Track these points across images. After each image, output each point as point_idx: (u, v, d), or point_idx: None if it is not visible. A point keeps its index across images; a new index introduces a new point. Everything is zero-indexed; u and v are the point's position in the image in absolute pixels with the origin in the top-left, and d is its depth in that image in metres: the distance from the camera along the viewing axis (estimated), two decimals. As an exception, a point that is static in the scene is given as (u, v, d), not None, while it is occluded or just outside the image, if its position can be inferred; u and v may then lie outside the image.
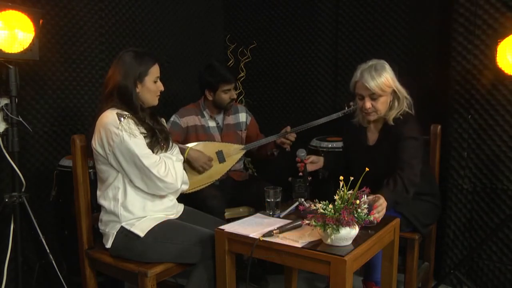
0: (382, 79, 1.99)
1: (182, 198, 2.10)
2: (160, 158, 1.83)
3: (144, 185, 1.81)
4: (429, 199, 2.19)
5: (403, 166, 1.97)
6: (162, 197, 1.90)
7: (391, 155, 2.05)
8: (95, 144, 1.80)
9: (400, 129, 2.05)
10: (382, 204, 1.78)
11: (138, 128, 1.81)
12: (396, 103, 2.08)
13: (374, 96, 2.01)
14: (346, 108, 2.49)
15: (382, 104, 2.04)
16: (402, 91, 2.07)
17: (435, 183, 2.32)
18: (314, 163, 2.30)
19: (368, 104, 2.03)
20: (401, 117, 2.07)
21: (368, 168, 1.87)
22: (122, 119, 1.75)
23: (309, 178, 2.10)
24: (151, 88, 1.88)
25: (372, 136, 2.20)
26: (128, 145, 1.74)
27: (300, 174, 2.16)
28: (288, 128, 2.51)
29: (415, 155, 2.02)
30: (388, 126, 2.09)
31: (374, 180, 2.03)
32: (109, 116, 1.76)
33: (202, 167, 2.38)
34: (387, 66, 2.04)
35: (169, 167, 1.84)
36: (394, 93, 2.06)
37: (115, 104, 1.82)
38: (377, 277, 2.06)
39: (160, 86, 1.92)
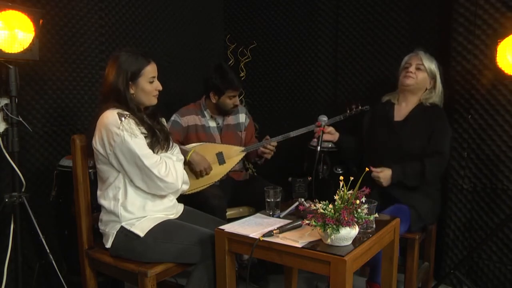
0: (433, 64, 2.34)
1: (184, 198, 2.10)
2: (160, 158, 1.83)
3: (145, 185, 1.81)
4: (438, 194, 2.32)
5: (434, 154, 2.20)
6: (162, 197, 1.90)
7: (418, 132, 2.26)
8: (96, 143, 1.80)
9: (436, 111, 2.30)
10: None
11: (139, 128, 1.81)
12: (433, 92, 2.35)
13: (420, 67, 2.31)
14: (348, 111, 2.49)
15: (421, 78, 2.32)
16: (440, 86, 2.35)
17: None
18: (331, 134, 2.44)
19: (413, 68, 2.32)
20: (436, 103, 2.34)
21: (388, 142, 2.28)
22: (123, 119, 1.75)
23: (309, 178, 2.10)
24: (146, 89, 1.87)
25: (400, 112, 2.38)
26: (129, 145, 1.74)
27: (314, 140, 2.22)
28: (268, 137, 2.54)
29: (447, 144, 2.28)
30: (423, 105, 2.33)
31: (394, 156, 2.26)
32: (110, 116, 1.75)
33: (201, 171, 2.38)
34: (438, 65, 2.37)
35: (170, 167, 1.84)
36: (434, 83, 2.34)
37: (114, 104, 1.82)
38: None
39: (157, 86, 1.91)
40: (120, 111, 1.78)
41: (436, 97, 2.34)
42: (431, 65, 2.32)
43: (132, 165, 1.77)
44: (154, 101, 1.93)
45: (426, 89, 2.35)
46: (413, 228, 2.12)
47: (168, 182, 1.82)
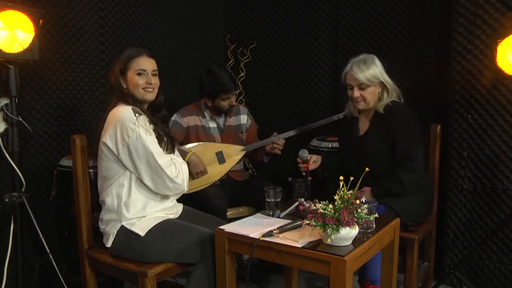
0: (370, 71, 2.12)
1: (185, 197, 2.09)
2: (171, 159, 1.84)
3: (153, 183, 1.81)
4: (426, 191, 2.24)
5: (404, 162, 2.08)
6: (164, 197, 1.90)
7: (381, 143, 2.15)
8: (106, 139, 1.77)
9: (391, 115, 2.14)
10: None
11: (151, 126, 1.81)
12: (385, 94, 2.18)
13: (362, 86, 2.14)
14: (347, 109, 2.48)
15: (370, 94, 2.15)
16: (390, 83, 2.17)
17: (428, 176, 2.33)
18: (315, 162, 2.34)
19: (357, 93, 2.16)
20: (390, 104, 2.18)
21: (358, 157, 2.14)
22: (137, 115, 1.75)
23: (309, 178, 2.11)
24: (133, 81, 1.85)
25: (363, 126, 2.28)
26: (144, 142, 1.74)
27: (303, 174, 2.19)
28: (275, 134, 2.52)
29: (415, 145, 2.12)
30: (379, 114, 2.18)
31: (365, 167, 2.12)
32: (124, 111, 1.75)
33: (197, 174, 2.36)
34: (376, 60, 2.17)
35: (179, 168, 1.85)
36: (383, 85, 2.16)
37: (118, 101, 1.83)
38: (372, 276, 2.05)
39: (148, 79, 1.86)
40: (134, 107, 1.78)
41: (390, 95, 2.17)
42: (367, 74, 2.11)
43: (144, 162, 1.76)
44: (146, 95, 1.87)
45: (379, 93, 2.17)
46: None
47: (177, 183, 1.82)
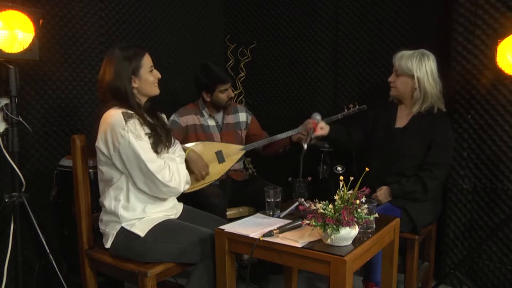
0: (408, 61, 2.19)
1: (185, 197, 2.09)
2: (165, 162, 1.82)
3: (147, 188, 1.80)
4: (436, 197, 2.27)
5: (433, 168, 2.14)
6: (163, 199, 1.90)
7: (417, 142, 2.19)
8: (99, 144, 1.78)
9: (434, 120, 2.20)
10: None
11: (143, 129, 1.79)
12: (418, 94, 2.20)
13: (397, 72, 2.25)
14: (346, 110, 2.49)
15: (400, 83, 2.24)
16: (428, 86, 2.18)
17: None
18: (322, 129, 2.41)
19: (391, 77, 2.28)
20: (434, 110, 2.22)
21: (388, 149, 2.23)
22: (128, 119, 1.74)
23: (309, 178, 2.11)
24: (148, 79, 1.88)
25: (402, 118, 2.31)
26: (134, 148, 1.72)
27: (304, 133, 2.33)
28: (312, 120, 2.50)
29: (447, 155, 2.22)
30: (421, 115, 2.23)
31: (391, 161, 2.22)
32: (115, 116, 1.74)
33: (199, 171, 2.35)
34: (426, 59, 2.18)
35: (173, 171, 1.83)
36: (419, 83, 2.18)
37: (114, 103, 1.81)
38: (377, 277, 2.06)
39: (156, 74, 1.92)
40: (124, 110, 1.77)
41: (426, 98, 2.19)
42: (403, 62, 2.18)
43: (135, 168, 1.76)
44: (156, 90, 1.93)
45: (414, 89, 2.21)
46: (402, 229, 2.08)
47: (171, 187, 1.81)
